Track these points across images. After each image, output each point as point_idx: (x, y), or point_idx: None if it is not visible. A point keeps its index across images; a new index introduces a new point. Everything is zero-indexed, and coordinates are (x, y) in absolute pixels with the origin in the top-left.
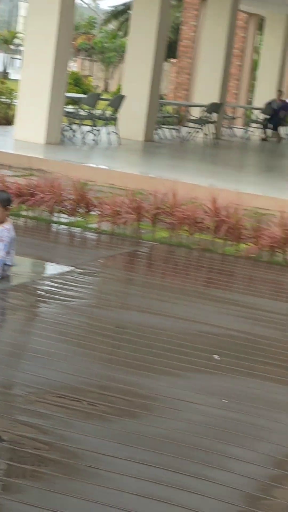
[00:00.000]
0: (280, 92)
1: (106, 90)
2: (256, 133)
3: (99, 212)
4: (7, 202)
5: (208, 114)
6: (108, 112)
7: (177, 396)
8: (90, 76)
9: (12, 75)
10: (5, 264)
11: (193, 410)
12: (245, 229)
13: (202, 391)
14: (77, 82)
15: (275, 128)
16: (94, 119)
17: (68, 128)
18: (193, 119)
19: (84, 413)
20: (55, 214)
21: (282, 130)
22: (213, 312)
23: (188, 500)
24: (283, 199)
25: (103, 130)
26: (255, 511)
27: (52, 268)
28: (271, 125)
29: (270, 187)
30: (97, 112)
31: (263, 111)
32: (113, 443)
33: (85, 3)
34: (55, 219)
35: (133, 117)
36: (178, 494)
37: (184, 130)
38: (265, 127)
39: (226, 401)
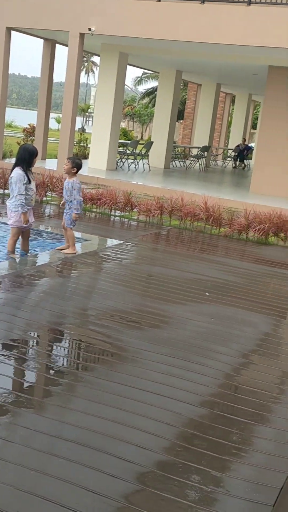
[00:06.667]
0: (244, 139)
1: (141, 138)
2: (229, 164)
3: (138, 209)
4: (78, 166)
5: (202, 152)
6: (143, 151)
7: (184, 316)
8: (132, 130)
9: (87, 130)
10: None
11: (193, 324)
12: (224, 219)
13: (199, 313)
14: (125, 134)
15: (241, 161)
16: (135, 155)
17: (119, 160)
18: (192, 155)
19: (129, 325)
20: (112, 210)
21: (246, 162)
22: (204, 267)
23: (193, 372)
24: (245, 202)
25: (140, 162)
26: (235, 376)
27: (110, 242)
28: (238, 159)
29: (238, 194)
30: (137, 151)
31: (234, 150)
32: (146, 342)
33: (129, 87)
34: (112, 213)
35: (157, 154)
36: (186, 370)
37: (187, 162)
38: (235, 160)
39: (212, 319)
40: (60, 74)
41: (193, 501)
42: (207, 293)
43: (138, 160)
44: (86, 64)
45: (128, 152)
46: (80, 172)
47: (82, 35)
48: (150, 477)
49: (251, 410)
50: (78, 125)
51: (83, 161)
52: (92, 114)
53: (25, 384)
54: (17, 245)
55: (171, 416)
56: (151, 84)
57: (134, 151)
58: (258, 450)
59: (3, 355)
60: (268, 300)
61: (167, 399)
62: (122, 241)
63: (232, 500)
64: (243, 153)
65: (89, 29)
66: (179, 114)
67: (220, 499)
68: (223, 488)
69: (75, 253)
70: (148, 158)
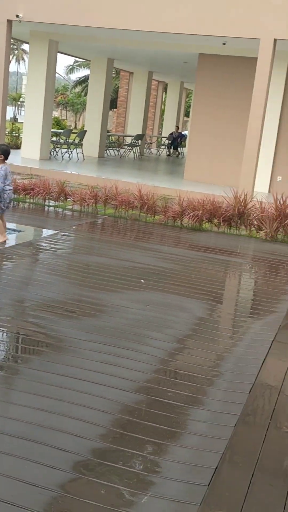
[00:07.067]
0: (177, 127)
1: (75, 127)
2: (163, 151)
3: (72, 199)
4: (5, 153)
5: (135, 141)
6: (77, 140)
7: (119, 304)
8: (65, 119)
9: (19, 120)
10: (3, 190)
11: (129, 312)
12: (158, 207)
13: (134, 301)
14: (58, 123)
15: (175, 148)
16: (68, 145)
17: (53, 150)
18: (126, 144)
19: (65, 315)
20: (46, 200)
21: (179, 149)
22: (140, 255)
23: (129, 359)
24: (179, 189)
25: (74, 151)
26: (171, 361)
27: (45, 232)
28: (172, 147)
29: (172, 182)
30: (70, 140)
31: (168, 138)
32: (82, 332)
33: (61, 75)
34: (46, 203)
35: (91, 143)
36: (122, 358)
37: (121, 151)
38: (169, 148)
39: (148, 306)
40: None
41: (130, 486)
42: (142, 281)
43: (71, 149)
44: (16, 52)
45: (61, 141)
46: (13, 162)
47: (9, 22)
48: (87, 465)
49: (186, 393)
50: (10, 115)
51: (16, 151)
52: (24, 103)
53: None
54: None
55: (108, 403)
56: (83, 72)
57: (67, 140)
58: (193, 433)
59: None
60: (202, 285)
61: (103, 387)
62: (56, 231)
63: (168, 482)
64: (177, 140)
65: (17, 16)
66: (112, 102)
67: (156, 482)
68: (159, 471)
69: (6, 240)
70: (82, 147)
